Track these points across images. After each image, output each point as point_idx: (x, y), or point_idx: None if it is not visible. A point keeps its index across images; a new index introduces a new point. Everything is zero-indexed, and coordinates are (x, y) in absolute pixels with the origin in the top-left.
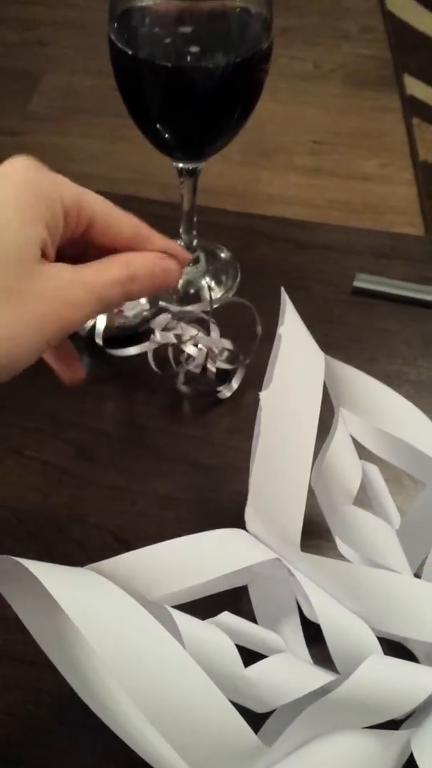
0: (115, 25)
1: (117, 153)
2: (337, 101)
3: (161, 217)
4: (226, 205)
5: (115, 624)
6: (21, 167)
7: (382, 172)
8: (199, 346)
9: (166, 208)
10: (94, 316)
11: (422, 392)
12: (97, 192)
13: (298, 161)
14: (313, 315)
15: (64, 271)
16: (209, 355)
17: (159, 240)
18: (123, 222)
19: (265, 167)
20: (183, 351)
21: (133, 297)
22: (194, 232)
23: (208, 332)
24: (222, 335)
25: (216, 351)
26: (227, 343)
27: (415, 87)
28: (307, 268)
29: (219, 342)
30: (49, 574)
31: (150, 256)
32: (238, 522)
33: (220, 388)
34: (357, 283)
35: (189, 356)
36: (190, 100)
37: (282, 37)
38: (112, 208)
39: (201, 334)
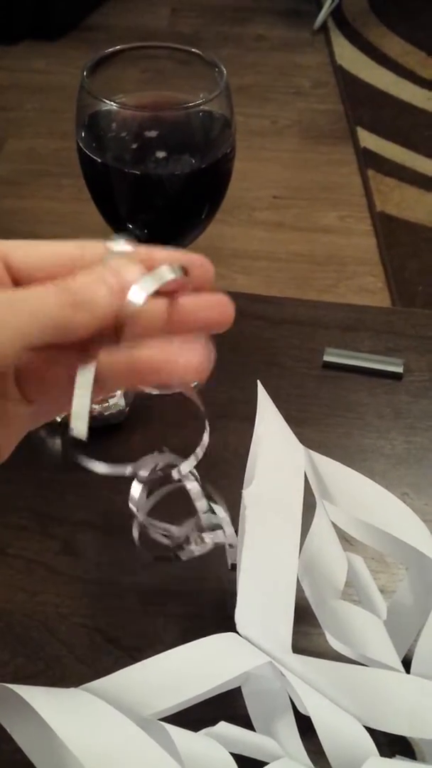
0: (83, 133)
1: (85, 214)
2: (294, 156)
3: None
4: None
5: (111, 747)
6: None
7: (341, 224)
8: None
9: None
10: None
11: (397, 466)
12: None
13: (260, 216)
14: (287, 390)
15: None
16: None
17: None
18: (54, 249)
19: (227, 223)
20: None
21: (79, 322)
22: None
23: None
24: None
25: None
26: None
27: (368, 139)
28: (278, 344)
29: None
30: (43, 701)
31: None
32: (224, 611)
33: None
34: (327, 357)
35: None
36: (159, 203)
37: (238, 95)
38: (37, 242)
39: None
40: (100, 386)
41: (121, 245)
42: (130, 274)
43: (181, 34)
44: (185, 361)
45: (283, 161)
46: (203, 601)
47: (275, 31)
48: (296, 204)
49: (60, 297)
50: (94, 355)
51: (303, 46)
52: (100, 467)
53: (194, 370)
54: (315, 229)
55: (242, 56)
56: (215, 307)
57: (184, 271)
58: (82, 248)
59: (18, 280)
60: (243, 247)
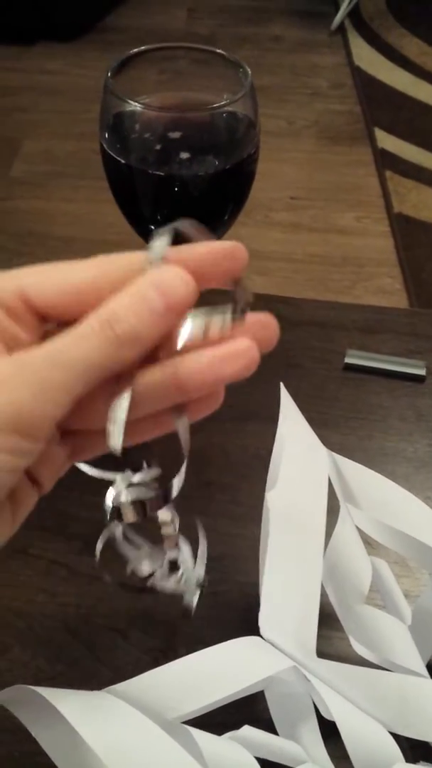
0: (107, 135)
1: (100, 215)
2: (311, 157)
3: None
4: None
5: (136, 750)
6: None
7: (358, 225)
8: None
9: None
10: (81, 389)
11: (420, 469)
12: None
13: (277, 217)
14: (307, 392)
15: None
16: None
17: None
18: (66, 277)
19: (245, 224)
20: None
21: (134, 348)
22: None
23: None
24: None
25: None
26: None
27: (386, 140)
28: (298, 345)
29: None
30: (67, 703)
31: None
32: (248, 614)
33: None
34: (348, 360)
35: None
36: (184, 204)
37: None
38: (49, 269)
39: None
40: (145, 408)
41: (161, 245)
42: (175, 285)
43: (198, 35)
44: (232, 364)
45: (300, 162)
46: (226, 604)
47: (292, 32)
48: (313, 205)
49: (101, 336)
50: (130, 377)
51: (320, 46)
52: (91, 470)
53: (242, 371)
54: (332, 231)
55: (259, 57)
56: (259, 328)
57: (243, 311)
58: (99, 266)
59: (39, 310)
60: (260, 248)
